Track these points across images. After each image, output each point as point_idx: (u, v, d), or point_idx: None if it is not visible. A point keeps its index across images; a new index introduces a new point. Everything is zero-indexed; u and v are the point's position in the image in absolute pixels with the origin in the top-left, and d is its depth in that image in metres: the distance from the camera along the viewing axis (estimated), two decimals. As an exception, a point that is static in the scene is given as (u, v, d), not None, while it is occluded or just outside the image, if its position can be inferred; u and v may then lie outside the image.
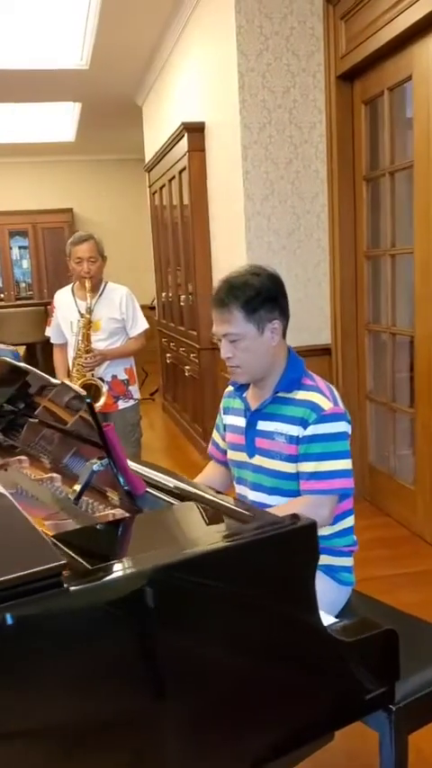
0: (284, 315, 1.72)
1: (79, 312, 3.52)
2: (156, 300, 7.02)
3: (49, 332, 3.74)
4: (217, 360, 4.93)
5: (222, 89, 4.11)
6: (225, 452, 1.91)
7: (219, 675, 1.06)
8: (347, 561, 1.79)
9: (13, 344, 7.09)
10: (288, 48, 3.80)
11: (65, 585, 0.87)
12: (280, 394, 1.72)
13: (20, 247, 10.21)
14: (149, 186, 6.63)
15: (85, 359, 3.40)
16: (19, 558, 0.88)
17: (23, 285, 10.26)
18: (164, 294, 6.48)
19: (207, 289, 4.92)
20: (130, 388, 3.59)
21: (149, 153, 6.89)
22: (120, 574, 0.94)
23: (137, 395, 3.65)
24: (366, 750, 1.91)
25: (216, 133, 4.42)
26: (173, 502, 1.27)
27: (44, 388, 1.56)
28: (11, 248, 10.06)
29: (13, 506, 1.01)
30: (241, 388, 1.84)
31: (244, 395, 1.82)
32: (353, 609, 1.75)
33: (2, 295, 9.99)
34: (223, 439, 1.93)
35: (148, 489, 1.31)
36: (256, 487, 1.76)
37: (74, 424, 1.53)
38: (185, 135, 4.71)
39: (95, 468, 1.27)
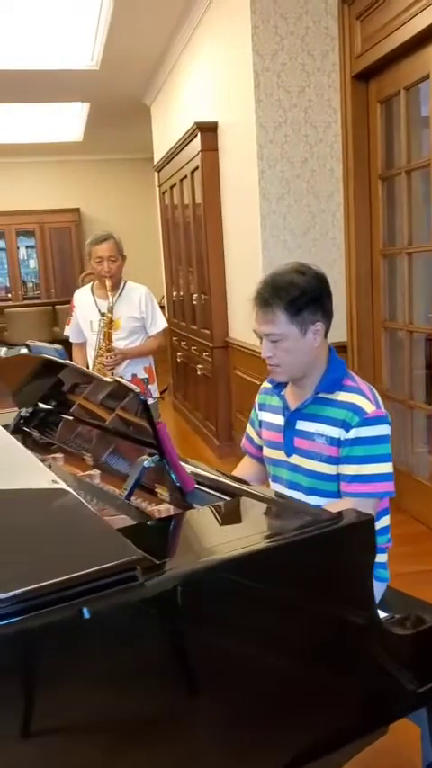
0: (328, 315, 1.71)
1: (99, 311, 3.53)
2: (165, 299, 7.04)
3: (68, 331, 3.76)
4: (230, 358, 4.96)
5: (236, 89, 4.13)
6: (260, 448, 1.92)
7: (277, 671, 1.08)
8: (383, 558, 1.81)
9: (22, 344, 7.12)
10: (303, 47, 3.82)
11: (139, 580, 0.89)
12: (321, 394, 1.71)
13: (27, 247, 10.25)
14: (159, 186, 6.65)
15: (107, 358, 3.43)
16: (94, 552, 0.90)
17: (30, 285, 10.30)
18: (175, 293, 6.50)
19: (220, 287, 4.95)
20: (150, 386, 3.61)
21: (159, 153, 6.91)
22: (189, 568, 0.95)
23: (156, 393, 3.68)
24: (398, 745, 1.93)
25: (229, 133, 4.44)
26: (224, 498, 1.29)
27: (86, 385, 1.58)
28: (18, 248, 10.10)
29: (80, 502, 1.03)
30: (279, 386, 1.83)
31: (282, 392, 1.82)
32: (389, 604, 1.77)
33: (9, 295, 10.04)
34: (258, 435, 1.93)
35: (196, 485, 1.33)
36: (293, 486, 1.76)
37: (114, 421, 1.56)
38: (198, 134, 4.73)
39: (146, 464, 1.29)
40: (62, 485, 1.08)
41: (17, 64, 5.79)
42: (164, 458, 1.27)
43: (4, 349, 4.58)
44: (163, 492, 1.35)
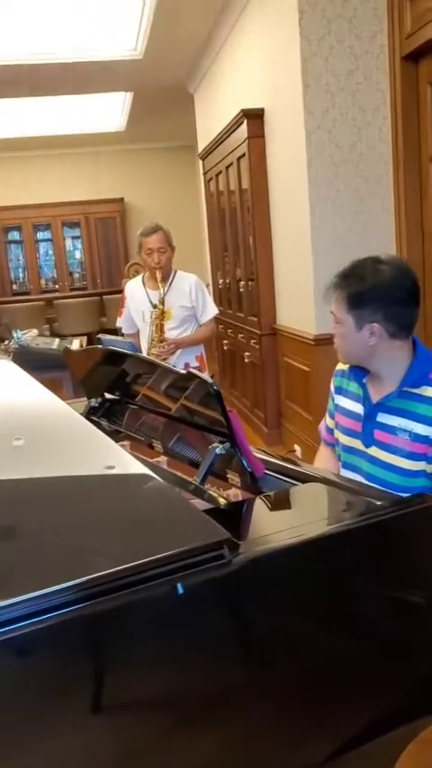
0: (392, 320, 1.65)
1: (151, 303, 3.59)
2: (210, 287, 7.07)
3: (120, 322, 3.82)
4: (279, 345, 4.97)
5: (283, 75, 4.12)
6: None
7: (345, 651, 1.10)
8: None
9: (72, 335, 7.23)
10: (351, 30, 3.79)
11: (226, 558, 0.93)
12: (406, 389, 1.69)
13: (72, 238, 10.38)
14: (204, 173, 6.66)
15: (160, 348, 3.48)
16: (184, 532, 0.94)
17: (77, 276, 10.44)
18: (221, 280, 6.53)
19: (268, 274, 4.95)
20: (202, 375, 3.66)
21: (202, 140, 6.92)
22: (267, 549, 0.99)
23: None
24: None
25: (276, 119, 4.43)
26: (293, 482, 1.32)
27: (156, 376, 1.62)
28: (64, 239, 10.23)
29: (167, 486, 1.07)
30: (360, 373, 1.80)
31: (364, 380, 1.80)
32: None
33: (57, 286, 10.19)
34: (332, 417, 1.93)
35: (266, 471, 1.37)
36: (372, 479, 1.74)
37: (183, 410, 1.60)
38: (245, 121, 4.73)
39: (218, 451, 1.33)
40: (142, 467, 1.13)
41: (62, 56, 5.86)
42: (235, 444, 1.31)
43: (76, 342, 4.69)
44: (234, 477, 1.38)
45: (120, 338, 1.84)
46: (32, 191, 9.76)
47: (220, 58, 5.85)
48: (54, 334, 7.17)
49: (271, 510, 1.23)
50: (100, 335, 1.89)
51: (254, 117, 4.68)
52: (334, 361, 4.13)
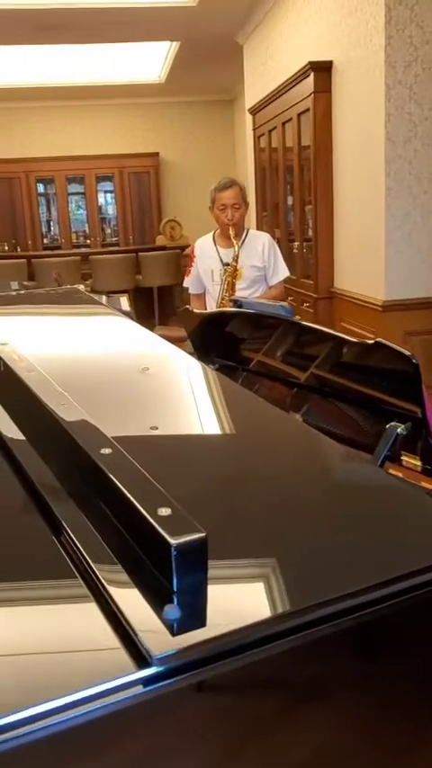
0: None
1: (222, 261, 3.47)
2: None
3: (187, 282, 3.71)
4: (336, 310, 4.85)
5: (360, 26, 3.92)
6: None
7: None
8: None
9: (110, 292, 7.09)
10: (438, -22, 3.59)
11: None
12: None
13: (105, 192, 10.17)
14: (255, 129, 6.45)
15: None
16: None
17: (108, 231, 10.25)
18: (269, 241, 6.37)
19: (328, 235, 4.81)
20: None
21: (251, 94, 6.68)
22: None
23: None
24: None
25: (348, 73, 4.24)
26: None
27: (322, 344, 1.53)
28: (97, 192, 10.02)
29: (384, 473, 0.99)
30: None
31: None
32: None
33: (88, 241, 10.02)
34: None
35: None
36: None
37: (341, 382, 1.52)
38: (311, 75, 4.53)
39: (400, 431, 1.25)
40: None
41: (110, 1, 5.63)
42: (424, 425, 1.22)
43: (123, 300, 4.57)
44: (410, 460, 1.30)
45: (268, 301, 1.73)
46: (65, 142, 9.53)
47: (278, 7, 5.60)
48: (95, 291, 7.04)
49: None
50: (238, 298, 1.78)
51: (321, 70, 4.49)
52: (403, 328, 4.00)
